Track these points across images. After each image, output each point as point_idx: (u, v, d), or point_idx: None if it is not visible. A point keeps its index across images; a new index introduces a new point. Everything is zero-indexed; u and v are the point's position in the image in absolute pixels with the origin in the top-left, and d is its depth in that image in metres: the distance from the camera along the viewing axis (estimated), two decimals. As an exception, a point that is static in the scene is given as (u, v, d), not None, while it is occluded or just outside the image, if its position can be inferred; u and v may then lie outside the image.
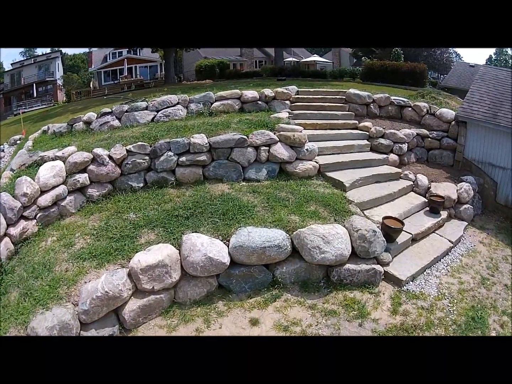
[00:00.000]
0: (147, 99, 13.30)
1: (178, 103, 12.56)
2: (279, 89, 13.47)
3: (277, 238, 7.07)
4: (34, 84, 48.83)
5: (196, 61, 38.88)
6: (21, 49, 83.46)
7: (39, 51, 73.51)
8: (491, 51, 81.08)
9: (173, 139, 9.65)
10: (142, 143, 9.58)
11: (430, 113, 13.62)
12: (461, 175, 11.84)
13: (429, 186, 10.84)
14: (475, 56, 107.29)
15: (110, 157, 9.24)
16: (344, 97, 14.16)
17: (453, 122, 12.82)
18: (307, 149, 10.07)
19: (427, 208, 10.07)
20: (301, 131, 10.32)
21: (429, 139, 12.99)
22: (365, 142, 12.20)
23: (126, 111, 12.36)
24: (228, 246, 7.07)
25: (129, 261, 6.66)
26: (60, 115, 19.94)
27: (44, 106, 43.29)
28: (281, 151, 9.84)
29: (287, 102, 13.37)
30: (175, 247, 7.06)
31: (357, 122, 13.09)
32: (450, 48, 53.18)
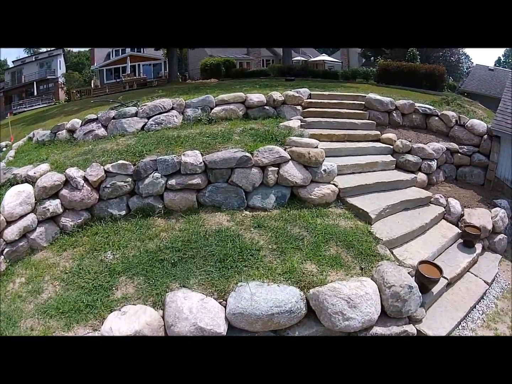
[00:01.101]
0: (138, 103, 11.68)
1: (172, 108, 10.82)
2: (290, 92, 11.70)
3: (289, 301, 5.33)
4: (35, 82, 47.08)
5: (202, 59, 37.42)
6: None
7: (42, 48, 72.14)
8: (499, 53, 79.07)
9: (161, 157, 7.93)
10: (124, 161, 7.91)
11: (459, 124, 11.86)
12: (493, 197, 10.32)
13: (462, 213, 9.25)
14: (483, 57, 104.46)
15: (86, 179, 7.60)
16: (363, 102, 12.32)
17: (485, 136, 11.18)
18: (324, 170, 8.20)
19: (460, 241, 8.51)
20: (317, 147, 8.53)
21: (459, 154, 11.23)
22: (390, 158, 10.37)
23: (113, 118, 10.70)
24: (225, 308, 5.42)
25: (102, 323, 5.26)
26: (54, 117, 18.51)
27: (44, 105, 41.84)
28: (293, 172, 8.00)
29: (299, 107, 11.60)
30: (157, 308, 5.46)
31: (379, 133, 11.27)
32: (460, 49, 50.94)
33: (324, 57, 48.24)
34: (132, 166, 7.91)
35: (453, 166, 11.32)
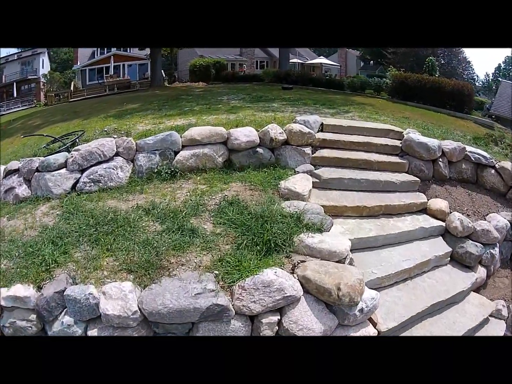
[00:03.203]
0: (77, 141, 7.79)
1: (117, 154, 6.92)
2: (295, 127, 7.55)
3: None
4: (15, 83, 42.67)
5: (191, 60, 33.54)
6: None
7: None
8: (499, 59, 75.69)
9: (69, 291, 4.33)
10: (19, 289, 4.39)
11: (522, 182, 8.07)
12: None
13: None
14: (484, 64, 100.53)
15: None
16: (398, 143, 8.35)
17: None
18: (361, 309, 4.33)
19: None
20: (346, 256, 4.78)
21: (520, 229, 7.46)
22: (444, 248, 6.45)
23: (37, 170, 6.76)
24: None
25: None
26: (10, 135, 14.48)
27: (25, 107, 37.62)
28: (306, 323, 4.09)
29: (307, 149, 7.56)
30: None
31: (425, 198, 7.34)
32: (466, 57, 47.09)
33: (322, 59, 44.28)
34: (33, 296, 4.32)
35: (510, 244, 7.65)
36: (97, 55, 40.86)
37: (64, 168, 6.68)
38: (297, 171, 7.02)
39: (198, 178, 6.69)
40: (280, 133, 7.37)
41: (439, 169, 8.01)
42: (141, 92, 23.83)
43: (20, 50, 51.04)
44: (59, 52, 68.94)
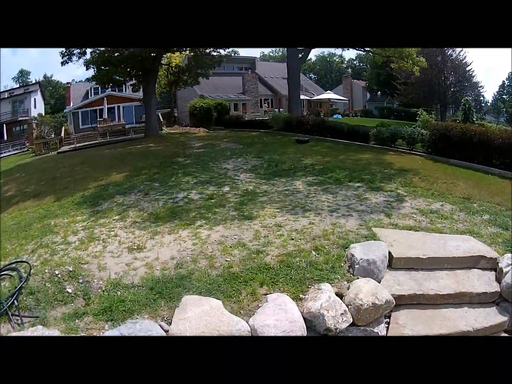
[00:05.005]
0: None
1: None
2: (365, 300, 4.58)
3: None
4: (5, 125, 39.74)
5: (191, 100, 30.81)
6: (15, 75, 75.26)
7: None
8: (503, 76, 73.81)
9: None
10: None
11: None
12: None
13: None
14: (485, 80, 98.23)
15: None
16: (496, 284, 5.68)
17: None
18: None
19: None
20: None
21: None
22: None
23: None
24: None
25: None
26: None
27: (16, 152, 34.63)
28: None
29: (381, 327, 4.72)
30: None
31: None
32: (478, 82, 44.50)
33: (329, 94, 41.45)
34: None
35: None
36: (91, 95, 37.85)
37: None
38: None
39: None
40: (342, 313, 4.27)
41: None
42: (134, 144, 20.86)
43: (11, 88, 48.55)
44: (57, 88, 66.56)
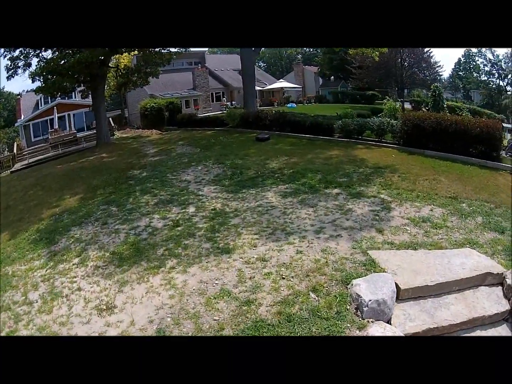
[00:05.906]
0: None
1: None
2: None
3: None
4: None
5: (141, 101, 29.29)
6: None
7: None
8: (459, 53, 75.12)
9: None
10: None
11: None
12: None
13: None
14: (443, 58, 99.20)
15: None
16: (506, 302, 5.47)
17: None
18: None
19: None
20: None
21: None
22: None
23: None
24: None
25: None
26: None
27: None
28: None
29: None
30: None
31: None
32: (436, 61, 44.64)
33: (282, 83, 40.65)
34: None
35: None
36: (41, 105, 35.33)
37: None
38: None
39: None
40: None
41: None
42: (86, 156, 19.44)
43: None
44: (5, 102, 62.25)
